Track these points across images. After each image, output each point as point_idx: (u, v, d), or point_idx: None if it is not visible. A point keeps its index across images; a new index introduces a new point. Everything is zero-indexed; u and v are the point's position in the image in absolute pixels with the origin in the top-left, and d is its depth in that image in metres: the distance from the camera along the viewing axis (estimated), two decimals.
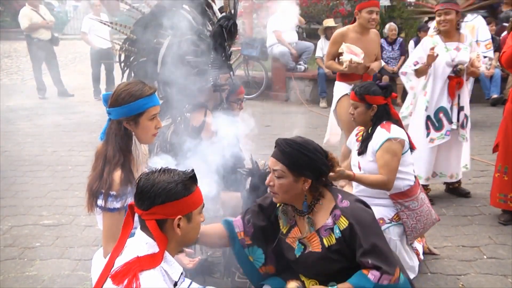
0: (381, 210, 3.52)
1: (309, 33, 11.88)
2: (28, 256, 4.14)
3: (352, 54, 4.92)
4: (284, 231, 2.64)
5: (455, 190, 5.32)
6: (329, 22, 9.88)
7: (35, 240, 4.41)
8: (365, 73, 5.09)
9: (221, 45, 3.36)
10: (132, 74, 3.45)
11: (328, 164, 2.53)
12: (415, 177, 3.69)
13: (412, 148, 3.67)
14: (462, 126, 4.98)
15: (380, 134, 3.50)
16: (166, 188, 1.93)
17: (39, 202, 5.26)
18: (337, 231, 2.41)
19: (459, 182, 5.29)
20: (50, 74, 10.90)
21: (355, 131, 3.88)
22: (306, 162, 2.43)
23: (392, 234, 3.51)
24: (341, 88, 5.18)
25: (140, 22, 3.36)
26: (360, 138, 3.72)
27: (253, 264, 2.72)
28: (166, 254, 2.00)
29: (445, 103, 4.91)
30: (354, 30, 5.11)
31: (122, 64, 3.45)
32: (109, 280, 1.92)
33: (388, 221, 3.54)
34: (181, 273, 2.05)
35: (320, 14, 11.66)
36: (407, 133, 3.64)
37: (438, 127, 4.95)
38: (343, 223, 2.40)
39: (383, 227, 3.46)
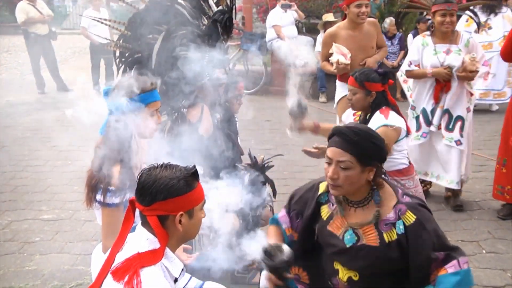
0: None
1: (308, 27, 11.85)
2: (28, 251, 4.15)
3: (340, 54, 4.78)
4: (325, 218, 2.50)
5: (448, 199, 5.00)
6: (328, 16, 9.84)
7: (35, 235, 4.42)
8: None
9: (216, 40, 3.34)
10: (127, 70, 3.43)
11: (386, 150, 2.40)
12: (410, 162, 3.71)
13: (408, 133, 3.69)
14: (448, 129, 4.72)
15: (378, 118, 3.51)
16: (168, 184, 1.92)
17: (38, 197, 5.26)
18: (401, 226, 2.28)
19: (454, 191, 4.92)
20: (48, 69, 10.87)
21: (351, 111, 3.84)
22: (375, 151, 2.29)
23: None
24: (340, 88, 5.08)
25: (134, 18, 3.35)
26: (357, 118, 3.72)
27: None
28: (167, 250, 1.99)
29: (426, 104, 4.77)
30: (345, 27, 4.93)
31: (117, 60, 3.43)
32: (109, 276, 1.92)
33: None
34: (182, 269, 2.04)
35: (319, 9, 11.64)
36: (404, 119, 3.64)
37: (416, 128, 4.85)
38: (410, 218, 2.28)
39: None
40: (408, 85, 5.12)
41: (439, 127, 4.74)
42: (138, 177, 2.00)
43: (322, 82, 9.73)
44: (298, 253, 2.52)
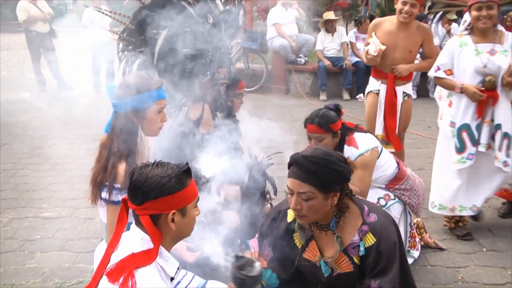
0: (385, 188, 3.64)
1: (309, 26, 11.85)
2: (29, 249, 4.15)
3: (373, 45, 4.67)
4: (300, 246, 2.49)
5: (453, 228, 4.30)
6: (329, 15, 9.86)
7: (35, 233, 4.42)
8: (391, 73, 4.67)
9: (220, 39, 3.34)
10: (129, 64, 3.43)
11: (349, 170, 2.33)
12: (397, 161, 3.71)
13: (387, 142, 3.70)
14: (500, 149, 3.95)
15: (350, 153, 3.40)
16: (159, 182, 1.89)
17: (39, 195, 5.26)
18: (362, 248, 2.27)
19: (463, 218, 4.30)
20: (49, 67, 10.86)
21: None
22: (336, 177, 2.24)
23: (395, 211, 3.59)
24: (370, 83, 4.95)
25: (139, 12, 3.34)
26: None
27: None
28: (162, 249, 1.97)
29: (469, 119, 3.98)
30: (391, 21, 4.70)
31: (120, 54, 3.43)
32: (104, 278, 1.90)
33: (393, 197, 3.64)
34: (177, 268, 2.02)
35: (320, 7, 11.64)
36: (371, 133, 3.65)
37: (460, 149, 4.03)
38: (370, 240, 2.26)
39: (388, 204, 3.52)
40: (441, 105, 4.43)
41: (488, 146, 4.01)
42: (130, 176, 1.97)
43: (322, 80, 9.73)
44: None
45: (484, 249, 4.03)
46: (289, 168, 2.32)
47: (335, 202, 2.28)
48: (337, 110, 3.43)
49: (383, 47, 4.61)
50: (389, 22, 4.72)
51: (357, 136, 3.47)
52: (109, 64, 10.35)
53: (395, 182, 3.62)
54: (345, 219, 2.34)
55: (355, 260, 2.31)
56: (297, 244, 2.51)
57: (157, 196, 1.90)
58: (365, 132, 3.61)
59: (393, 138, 4.79)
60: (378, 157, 3.49)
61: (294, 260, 2.51)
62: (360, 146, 3.43)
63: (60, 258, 4.00)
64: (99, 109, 9.04)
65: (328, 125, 3.33)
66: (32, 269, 3.85)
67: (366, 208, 2.34)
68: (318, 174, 2.20)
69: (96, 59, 10.53)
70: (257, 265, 2.33)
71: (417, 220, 4.03)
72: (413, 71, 4.86)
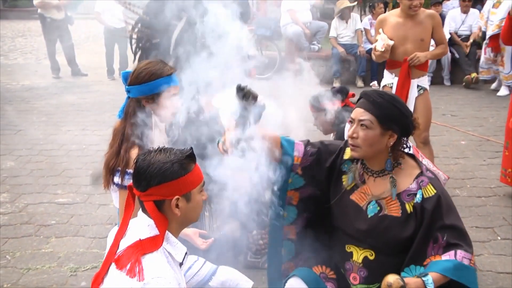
0: None
1: (323, 12, 11.75)
2: (44, 234, 4.20)
3: (381, 41, 4.58)
4: (348, 188, 2.48)
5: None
6: (344, 3, 9.77)
7: (51, 218, 4.47)
8: (405, 62, 4.51)
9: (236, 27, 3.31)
10: (145, 56, 3.42)
11: (414, 123, 2.36)
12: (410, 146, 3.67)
13: None
14: None
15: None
16: (162, 168, 1.89)
17: (54, 181, 5.31)
18: (419, 196, 2.27)
19: None
20: (64, 53, 10.91)
21: None
22: (397, 115, 2.29)
23: None
24: (384, 76, 4.85)
25: (153, 2, 3.32)
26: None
27: (282, 218, 2.59)
28: (169, 235, 1.97)
29: None
30: (396, 14, 4.62)
31: (134, 46, 3.41)
32: (113, 264, 1.91)
33: None
34: (186, 253, 2.03)
35: None
36: None
37: None
38: (430, 191, 2.26)
39: None
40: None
41: None
42: (134, 162, 1.98)
43: (336, 68, 9.67)
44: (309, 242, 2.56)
45: (499, 238, 4.01)
46: (357, 102, 2.41)
47: (391, 143, 2.32)
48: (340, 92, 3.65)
49: (391, 43, 4.52)
50: (393, 16, 4.64)
51: None
52: (122, 50, 10.40)
53: None
54: (400, 169, 2.37)
55: (407, 206, 2.30)
56: (345, 185, 2.49)
57: (160, 182, 1.89)
58: None
59: None
60: None
61: (332, 199, 2.52)
62: None
63: (75, 243, 4.04)
64: (113, 95, 9.12)
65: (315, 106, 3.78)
66: (47, 253, 3.90)
67: (424, 166, 2.37)
68: (382, 106, 2.28)
69: (110, 46, 10.54)
70: (261, 99, 2.35)
71: None
72: (428, 61, 4.73)
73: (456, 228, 2.23)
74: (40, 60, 13.15)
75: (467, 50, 9.27)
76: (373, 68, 9.49)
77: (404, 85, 4.56)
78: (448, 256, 2.19)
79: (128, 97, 2.66)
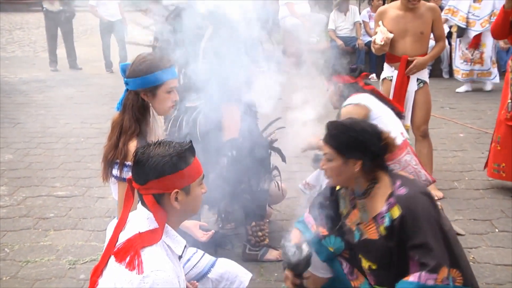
0: None
1: (322, 5, 11.71)
2: (43, 227, 4.21)
3: (380, 34, 4.54)
4: (344, 213, 2.60)
5: None
6: None
7: (49, 211, 4.47)
8: (404, 55, 4.50)
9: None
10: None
11: (381, 144, 2.40)
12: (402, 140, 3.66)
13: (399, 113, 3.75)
14: None
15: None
16: (161, 162, 1.88)
17: (52, 174, 5.31)
18: (388, 219, 2.32)
19: None
20: (65, 47, 10.87)
21: None
22: (352, 143, 2.36)
23: None
24: (384, 69, 4.83)
25: (176, 11, 3.27)
26: None
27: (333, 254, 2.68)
28: (168, 228, 1.97)
29: None
30: (396, 6, 4.56)
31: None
32: (112, 257, 1.91)
33: None
34: (185, 246, 2.03)
35: None
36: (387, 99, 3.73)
37: None
38: (396, 212, 2.30)
39: None
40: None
41: None
42: (133, 155, 1.97)
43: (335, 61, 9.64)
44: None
45: (496, 230, 4.02)
46: None
47: (357, 169, 2.37)
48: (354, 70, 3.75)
49: (390, 36, 4.48)
50: (393, 8, 4.59)
51: (357, 93, 3.62)
52: (121, 43, 10.37)
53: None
54: (376, 190, 2.42)
55: (381, 229, 2.36)
56: (342, 211, 2.62)
57: (159, 175, 1.89)
58: (379, 96, 3.69)
59: None
60: (368, 117, 3.50)
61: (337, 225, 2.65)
62: (351, 99, 3.57)
63: (73, 236, 4.05)
64: (112, 88, 9.11)
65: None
66: (46, 246, 3.91)
67: (399, 182, 2.38)
68: (338, 138, 2.39)
69: (106, 39, 10.49)
70: (304, 247, 2.50)
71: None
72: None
73: (423, 246, 2.23)
74: (38, 53, 13.13)
75: None
76: (372, 60, 9.47)
77: (403, 80, 4.56)
78: (413, 277, 2.23)
79: (127, 90, 2.66)
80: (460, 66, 8.35)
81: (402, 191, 2.34)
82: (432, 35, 4.68)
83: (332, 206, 2.66)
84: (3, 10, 20.24)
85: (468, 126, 6.67)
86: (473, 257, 3.64)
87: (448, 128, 6.65)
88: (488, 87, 8.46)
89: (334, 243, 2.64)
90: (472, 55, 8.13)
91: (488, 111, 7.32)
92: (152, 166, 1.89)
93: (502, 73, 9.12)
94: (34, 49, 13.74)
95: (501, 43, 8.82)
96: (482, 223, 4.14)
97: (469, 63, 8.19)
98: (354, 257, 2.60)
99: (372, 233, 2.41)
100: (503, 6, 4.38)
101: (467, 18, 8.00)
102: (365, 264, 2.50)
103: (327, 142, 2.42)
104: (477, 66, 8.19)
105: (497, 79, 8.19)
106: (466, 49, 8.14)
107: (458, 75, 8.44)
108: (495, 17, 7.51)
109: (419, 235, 2.24)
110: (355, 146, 2.37)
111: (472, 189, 4.80)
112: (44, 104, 8.19)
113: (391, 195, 2.35)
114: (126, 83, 2.64)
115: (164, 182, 1.90)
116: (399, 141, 3.59)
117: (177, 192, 1.92)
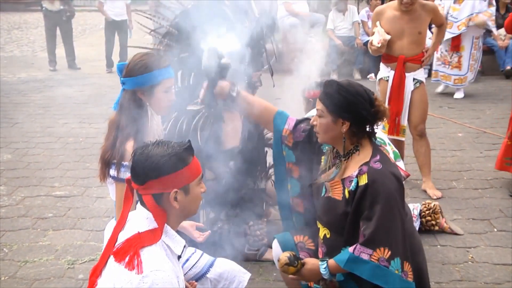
0: None
1: (320, 4, 11.71)
2: (41, 227, 4.21)
3: (378, 35, 4.54)
4: (323, 168, 2.62)
5: None
6: None
7: (48, 211, 4.47)
8: (400, 55, 4.52)
9: (259, 43, 3.31)
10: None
11: (372, 110, 2.41)
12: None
13: None
14: None
15: None
16: (159, 162, 1.89)
17: (51, 174, 5.31)
18: (354, 184, 2.36)
19: None
20: (65, 46, 10.86)
21: None
22: (344, 104, 2.39)
23: None
24: (381, 69, 4.84)
25: (182, 15, 3.26)
26: None
27: (287, 191, 2.82)
28: (168, 228, 1.97)
29: None
30: (393, 7, 4.54)
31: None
32: (111, 257, 1.92)
33: None
34: (184, 246, 2.03)
35: None
36: None
37: None
38: (363, 180, 2.35)
39: None
40: None
41: None
42: (132, 156, 1.98)
43: (333, 60, 9.64)
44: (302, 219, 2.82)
45: (495, 229, 4.03)
46: None
47: (345, 130, 2.41)
48: None
49: (388, 37, 4.48)
50: (390, 9, 4.57)
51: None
52: (123, 43, 10.37)
53: None
54: (356, 155, 2.46)
55: (346, 192, 2.41)
56: (322, 165, 2.66)
57: (158, 175, 1.89)
58: None
59: (391, 121, 4.61)
60: None
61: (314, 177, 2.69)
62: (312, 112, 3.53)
63: (72, 236, 4.05)
64: (111, 88, 9.10)
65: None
66: (44, 246, 3.90)
67: (378, 157, 2.42)
68: (331, 96, 2.42)
69: (110, 38, 10.48)
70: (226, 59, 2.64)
71: (434, 205, 3.99)
72: (423, 53, 4.63)
73: (371, 220, 2.27)
74: (36, 53, 13.12)
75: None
76: (370, 60, 9.46)
77: (400, 80, 4.57)
78: (351, 248, 2.29)
79: (123, 89, 2.66)
80: (438, 68, 8.15)
81: (377, 165, 2.38)
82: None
83: (316, 153, 2.71)
84: (1, 10, 20.21)
85: (467, 126, 6.67)
86: (471, 257, 3.65)
87: (446, 128, 6.65)
88: (460, 95, 8.17)
89: (293, 183, 2.78)
90: (450, 57, 7.94)
91: (487, 111, 7.33)
92: (151, 166, 1.89)
93: (500, 72, 9.17)
94: (33, 49, 13.72)
95: (500, 42, 8.86)
96: (481, 222, 4.15)
97: (447, 66, 8.00)
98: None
99: (337, 193, 2.46)
100: None
101: (446, 19, 7.73)
102: (321, 232, 2.54)
103: (321, 98, 2.47)
104: (455, 71, 7.95)
105: (472, 81, 8.12)
106: (446, 51, 7.93)
107: (437, 77, 8.23)
108: (473, 22, 7.54)
109: (373, 209, 2.28)
110: (346, 107, 2.40)
111: (471, 188, 4.80)
112: (43, 104, 8.19)
113: (365, 164, 2.39)
114: (123, 83, 2.64)
115: (163, 182, 1.91)
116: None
117: (176, 191, 1.92)
